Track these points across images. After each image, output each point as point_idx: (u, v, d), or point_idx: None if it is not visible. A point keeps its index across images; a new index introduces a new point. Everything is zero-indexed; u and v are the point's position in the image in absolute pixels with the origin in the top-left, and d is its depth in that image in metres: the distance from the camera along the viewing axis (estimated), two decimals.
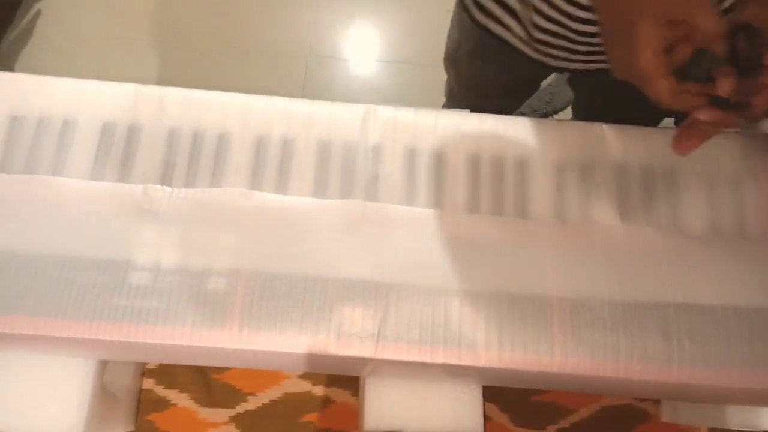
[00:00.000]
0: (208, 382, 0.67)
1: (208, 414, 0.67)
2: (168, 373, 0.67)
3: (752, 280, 0.52)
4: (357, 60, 1.70)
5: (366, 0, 1.75)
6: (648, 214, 0.56)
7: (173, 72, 1.65)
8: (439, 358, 0.48)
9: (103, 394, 0.55)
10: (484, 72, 0.83)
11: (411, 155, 0.57)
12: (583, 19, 0.60)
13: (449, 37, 0.85)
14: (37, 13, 1.72)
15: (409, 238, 0.52)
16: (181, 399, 0.67)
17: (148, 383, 0.67)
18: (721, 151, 0.58)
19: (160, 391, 0.67)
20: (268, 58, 1.68)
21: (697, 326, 0.50)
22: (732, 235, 0.54)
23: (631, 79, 0.43)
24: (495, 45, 0.74)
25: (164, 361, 0.57)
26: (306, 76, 1.66)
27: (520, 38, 0.70)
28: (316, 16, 1.73)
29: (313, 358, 0.49)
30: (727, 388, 0.49)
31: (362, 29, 1.74)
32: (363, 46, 1.71)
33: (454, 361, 0.48)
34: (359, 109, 0.59)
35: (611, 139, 0.58)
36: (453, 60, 0.87)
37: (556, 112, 1.62)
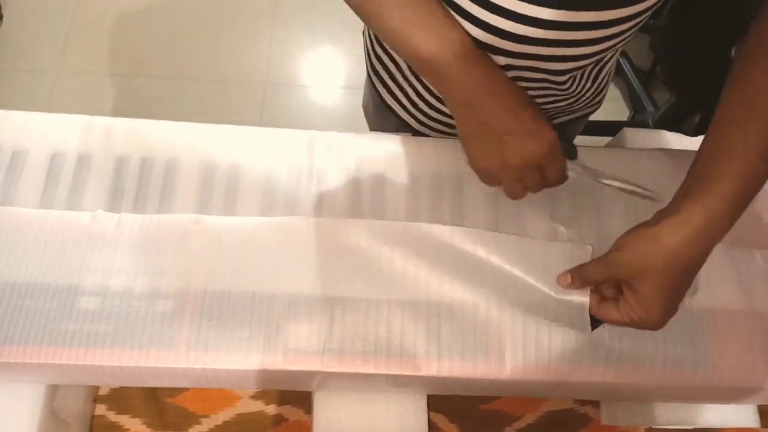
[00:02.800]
0: (160, 405, 0.68)
1: None
2: (120, 398, 0.67)
3: None
4: (314, 87, 1.73)
5: (323, 30, 1.80)
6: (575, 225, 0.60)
7: (129, 101, 1.65)
8: (382, 369, 0.51)
9: (53, 421, 0.56)
10: (387, 129, 0.75)
11: (352, 175, 0.60)
12: None
13: (365, 85, 0.83)
14: None
15: (351, 250, 0.54)
16: (133, 424, 0.67)
17: (100, 409, 0.67)
18: None
19: (113, 416, 0.67)
20: (226, 86, 1.70)
21: (623, 328, 0.54)
22: None
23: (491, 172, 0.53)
24: (389, 111, 0.74)
25: (115, 384, 0.58)
26: (263, 104, 1.69)
27: (408, 115, 0.72)
28: (273, 45, 1.77)
29: (261, 375, 0.51)
30: (649, 385, 0.53)
31: (319, 57, 1.78)
32: (320, 74, 1.75)
33: (397, 371, 0.51)
34: (305, 134, 0.62)
35: None
36: (365, 110, 0.88)
37: None
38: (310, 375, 0.51)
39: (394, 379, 0.52)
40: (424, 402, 0.57)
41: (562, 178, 0.54)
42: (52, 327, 0.49)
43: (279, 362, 0.50)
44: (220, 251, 0.53)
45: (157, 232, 0.54)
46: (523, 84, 0.60)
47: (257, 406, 0.69)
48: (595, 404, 0.72)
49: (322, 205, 0.58)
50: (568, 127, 0.76)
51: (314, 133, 0.62)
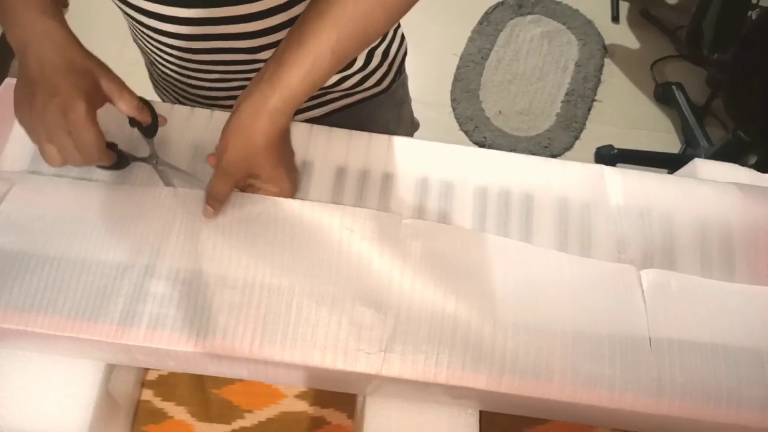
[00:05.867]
0: (206, 396, 0.68)
1: (203, 428, 0.67)
2: (167, 385, 0.68)
3: (740, 320, 0.54)
4: None
5: None
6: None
7: None
8: (442, 379, 0.50)
9: (107, 400, 0.56)
10: None
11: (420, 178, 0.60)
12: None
13: None
14: None
15: (421, 254, 0.54)
16: (178, 412, 0.67)
17: (147, 394, 0.67)
18: None
19: (158, 402, 0.68)
20: None
21: (688, 362, 0.52)
22: (721, 276, 0.57)
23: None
24: None
25: (177, 369, 0.58)
26: None
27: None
28: None
29: (320, 373, 0.51)
30: (713, 423, 0.51)
31: None
32: None
33: (456, 383, 0.50)
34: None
35: None
36: None
37: (553, 157, 1.67)
38: (368, 378, 0.51)
39: (452, 391, 0.52)
40: (476, 418, 0.56)
41: (92, 151, 0.50)
42: (123, 306, 0.50)
43: (339, 362, 0.50)
44: (289, 244, 0.53)
45: (242, 218, 0.54)
46: (227, 65, 0.65)
47: (301, 406, 0.68)
48: None
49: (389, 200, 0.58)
50: (352, 112, 0.77)
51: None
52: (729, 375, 0.52)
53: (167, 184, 0.57)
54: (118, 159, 0.55)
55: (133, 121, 0.56)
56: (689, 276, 0.56)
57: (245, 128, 0.51)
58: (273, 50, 0.61)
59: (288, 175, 0.56)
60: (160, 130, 0.58)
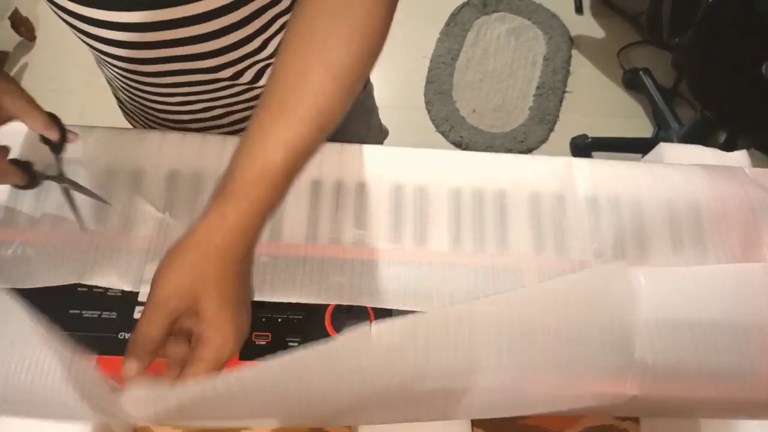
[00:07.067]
0: None
1: None
2: None
3: (716, 300, 0.56)
4: None
5: None
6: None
7: None
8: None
9: (105, 429, 0.56)
10: None
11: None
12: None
13: None
14: (24, 66, 1.76)
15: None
16: None
17: None
18: None
19: (154, 426, 0.68)
20: None
21: (668, 341, 0.53)
22: (694, 257, 0.59)
23: None
24: None
25: None
26: None
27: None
28: None
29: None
30: (696, 399, 0.52)
31: None
32: None
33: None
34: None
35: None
36: None
37: (530, 150, 1.69)
38: None
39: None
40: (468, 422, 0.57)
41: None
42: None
43: None
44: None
45: None
46: (188, 87, 0.64)
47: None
48: (636, 420, 0.71)
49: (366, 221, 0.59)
50: None
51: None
52: (707, 348, 0.53)
53: (71, 203, 0.56)
54: (30, 178, 0.54)
55: (43, 138, 0.55)
56: (657, 268, 0.57)
57: (195, 248, 0.41)
58: (233, 68, 0.61)
59: (234, 323, 0.42)
60: (144, 160, 0.58)
